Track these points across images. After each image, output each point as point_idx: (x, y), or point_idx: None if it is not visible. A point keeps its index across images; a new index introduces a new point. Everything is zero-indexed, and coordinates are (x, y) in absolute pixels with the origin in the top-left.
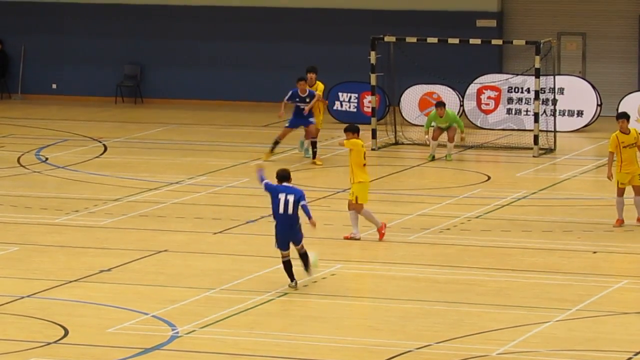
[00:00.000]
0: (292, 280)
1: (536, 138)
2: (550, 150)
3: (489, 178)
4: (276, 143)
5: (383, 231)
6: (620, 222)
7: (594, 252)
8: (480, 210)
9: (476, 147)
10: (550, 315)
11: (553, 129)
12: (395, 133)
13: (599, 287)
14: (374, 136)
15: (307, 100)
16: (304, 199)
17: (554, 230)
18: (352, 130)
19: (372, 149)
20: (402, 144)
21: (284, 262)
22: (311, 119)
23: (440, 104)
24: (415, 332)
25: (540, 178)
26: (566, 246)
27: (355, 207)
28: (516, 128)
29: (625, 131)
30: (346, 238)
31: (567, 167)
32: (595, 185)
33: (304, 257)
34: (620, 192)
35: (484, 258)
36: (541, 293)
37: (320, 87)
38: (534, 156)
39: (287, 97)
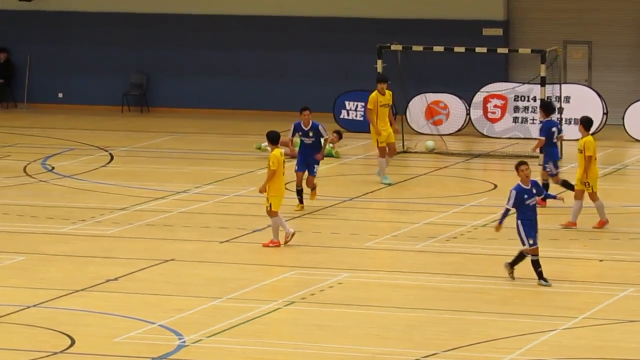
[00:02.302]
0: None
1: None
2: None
3: (496, 186)
4: (300, 192)
5: (279, 243)
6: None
7: (600, 260)
8: (487, 218)
9: (483, 156)
10: (557, 323)
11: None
12: (403, 142)
13: (605, 295)
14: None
15: (310, 134)
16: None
17: (560, 239)
18: (274, 140)
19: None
20: (409, 152)
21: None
22: (314, 167)
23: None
24: (422, 341)
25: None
26: (572, 254)
27: (271, 214)
28: (522, 136)
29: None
30: (266, 245)
31: (573, 175)
32: (601, 194)
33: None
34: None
35: (491, 266)
36: (547, 301)
37: (391, 94)
38: (540, 164)
39: (290, 133)
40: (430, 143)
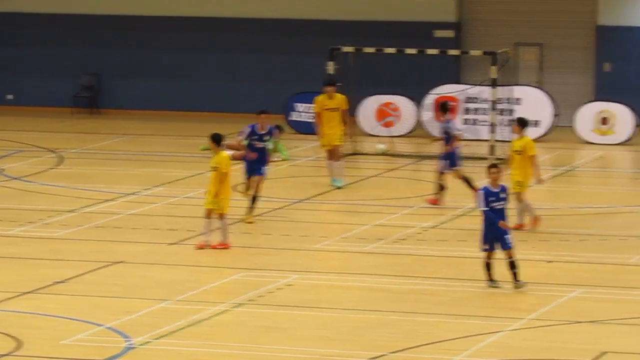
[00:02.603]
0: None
1: (492, 148)
2: (506, 160)
3: (445, 188)
4: (254, 199)
5: (229, 245)
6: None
7: (549, 262)
8: (436, 220)
9: (432, 158)
10: (505, 324)
11: (509, 139)
12: (353, 144)
13: (553, 296)
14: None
15: (265, 139)
16: None
17: None
18: (218, 142)
19: None
20: (360, 154)
21: None
22: (263, 168)
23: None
24: (370, 342)
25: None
26: (521, 256)
27: (222, 217)
28: (473, 138)
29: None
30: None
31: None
32: (551, 195)
33: None
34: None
35: (440, 268)
36: (496, 303)
37: (343, 98)
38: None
39: (244, 135)
40: (380, 145)
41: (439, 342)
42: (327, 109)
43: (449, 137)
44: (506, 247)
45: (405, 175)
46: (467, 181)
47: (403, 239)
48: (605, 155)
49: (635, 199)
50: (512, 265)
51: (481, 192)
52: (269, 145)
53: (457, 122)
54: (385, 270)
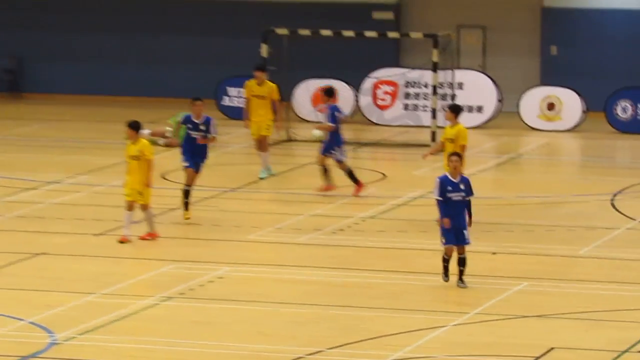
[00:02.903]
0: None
1: (434, 135)
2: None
3: (385, 176)
4: (187, 192)
5: (157, 234)
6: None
7: (493, 253)
8: (375, 210)
9: (371, 145)
10: (448, 319)
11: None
12: (288, 130)
13: (498, 290)
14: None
15: (202, 128)
16: None
17: None
18: (138, 129)
19: None
20: (295, 141)
21: None
22: (201, 165)
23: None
24: (307, 338)
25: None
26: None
27: (146, 207)
28: (413, 124)
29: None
30: (143, 238)
31: (466, 164)
32: (495, 184)
33: None
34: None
35: (380, 260)
36: (439, 296)
37: (273, 87)
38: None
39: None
40: (316, 131)
41: (379, 337)
42: (254, 96)
43: (335, 121)
44: (462, 242)
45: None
46: (325, 172)
47: (341, 230)
48: (552, 142)
49: (583, 187)
50: (462, 263)
51: (438, 181)
52: (173, 123)
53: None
54: (322, 262)
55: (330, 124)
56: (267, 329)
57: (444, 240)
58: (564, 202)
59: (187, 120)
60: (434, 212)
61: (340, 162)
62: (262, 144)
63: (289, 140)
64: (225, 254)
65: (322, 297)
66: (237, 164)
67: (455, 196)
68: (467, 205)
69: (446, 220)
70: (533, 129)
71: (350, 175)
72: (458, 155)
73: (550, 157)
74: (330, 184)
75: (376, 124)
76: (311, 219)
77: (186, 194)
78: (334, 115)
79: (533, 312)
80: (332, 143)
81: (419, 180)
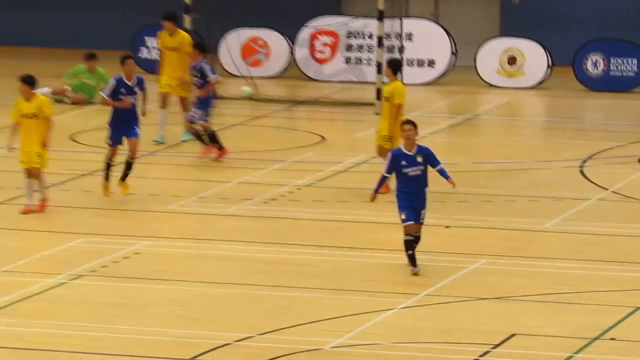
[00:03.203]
0: None
1: (379, 92)
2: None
3: (324, 139)
4: (109, 166)
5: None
6: None
7: (447, 227)
8: (312, 177)
9: (309, 103)
10: (395, 301)
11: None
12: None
13: (452, 269)
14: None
15: (135, 90)
16: None
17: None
18: (34, 85)
19: None
20: (222, 98)
21: None
22: (137, 128)
23: (92, 57)
24: (235, 322)
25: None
26: None
27: (40, 173)
28: (356, 80)
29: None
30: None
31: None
32: (449, 149)
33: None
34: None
35: (317, 234)
36: (384, 276)
37: (185, 38)
38: (376, 114)
39: (107, 92)
40: (246, 88)
41: (317, 321)
42: (167, 48)
43: (204, 82)
44: (418, 221)
45: (275, 124)
46: (213, 137)
47: (273, 200)
48: (513, 101)
49: (549, 152)
50: (416, 242)
51: (390, 155)
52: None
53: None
54: (253, 236)
55: (206, 87)
56: (190, 311)
57: (403, 217)
58: (527, 169)
59: (119, 84)
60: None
61: (193, 122)
62: (183, 104)
63: (215, 97)
64: (143, 227)
65: (252, 275)
66: (156, 124)
67: (412, 171)
68: (441, 173)
69: (373, 196)
70: (492, 85)
71: (213, 138)
72: (411, 123)
73: (511, 118)
74: (218, 148)
75: (314, 80)
76: (240, 187)
77: (108, 167)
78: (202, 71)
79: (491, 293)
80: (202, 105)
81: (362, 144)
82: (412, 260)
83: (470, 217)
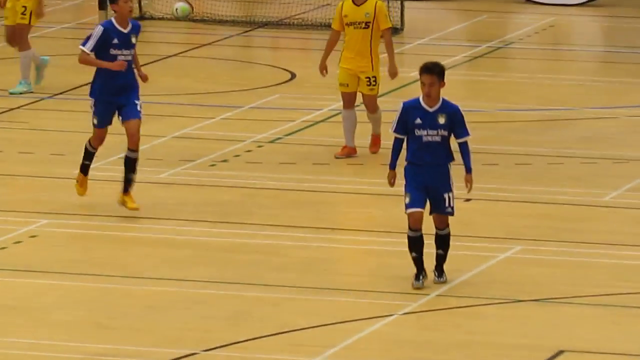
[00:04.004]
0: None
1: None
2: (394, 31)
3: (293, 76)
4: (90, 155)
5: None
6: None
7: (467, 200)
8: (278, 130)
9: (272, 25)
10: (395, 304)
11: None
12: (140, 1)
13: (474, 258)
14: (102, 6)
15: (133, 41)
16: None
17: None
18: None
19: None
20: (151, 18)
21: None
22: (137, 103)
23: None
24: (171, 333)
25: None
26: None
27: None
28: None
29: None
30: None
31: (424, 59)
32: (469, 88)
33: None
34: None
35: (286, 209)
36: (380, 268)
37: None
38: None
39: (90, 44)
40: (181, 5)
41: (286, 332)
42: None
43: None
44: (441, 210)
45: (225, 55)
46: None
47: (224, 161)
48: (558, 23)
49: (606, 96)
50: (441, 243)
51: (402, 107)
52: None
53: None
54: (195, 213)
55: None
56: (107, 318)
57: (407, 201)
58: (578, 120)
59: (109, 32)
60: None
61: None
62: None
63: (141, 17)
64: (40, 199)
65: (194, 268)
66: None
67: (429, 135)
68: (462, 150)
69: (391, 174)
70: (529, 1)
71: None
72: (434, 72)
73: (555, 48)
74: None
75: None
76: (176, 144)
77: (90, 156)
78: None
79: (530, 293)
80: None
81: None
82: (417, 267)
83: (500, 187)
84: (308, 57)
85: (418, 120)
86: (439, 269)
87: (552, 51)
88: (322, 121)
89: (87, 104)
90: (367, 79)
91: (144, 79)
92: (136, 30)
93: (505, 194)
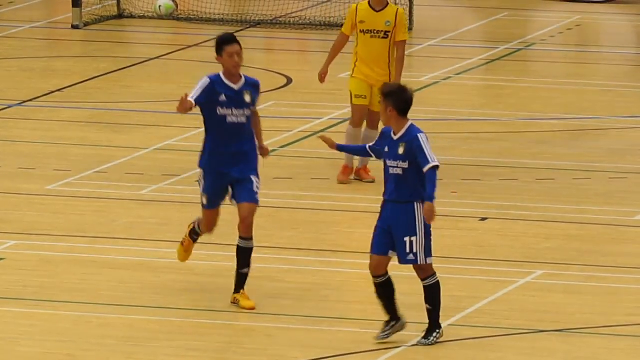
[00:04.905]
0: None
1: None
2: None
3: (290, 81)
4: (195, 235)
5: None
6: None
7: (483, 219)
8: (272, 140)
9: (266, 24)
10: (401, 335)
11: None
12: (119, 3)
13: (491, 284)
14: (76, 3)
15: (247, 101)
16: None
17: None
18: None
19: (74, 26)
20: (131, 16)
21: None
22: (254, 181)
23: None
24: None
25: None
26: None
27: None
28: None
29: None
30: None
31: (435, 62)
32: (486, 94)
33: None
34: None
35: (281, 229)
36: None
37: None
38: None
39: (195, 94)
40: (165, 2)
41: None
42: None
43: None
44: (402, 257)
45: (214, 58)
46: None
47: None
48: (585, 22)
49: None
50: (427, 295)
51: (381, 131)
52: None
53: None
54: (178, 233)
55: None
56: (82, 350)
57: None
58: (607, 130)
59: (214, 85)
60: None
61: None
62: None
63: (121, 15)
64: (7, 219)
65: (179, 294)
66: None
67: (392, 166)
68: (423, 179)
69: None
70: None
71: None
72: (384, 95)
73: (582, 49)
74: None
75: None
76: (159, 157)
77: (197, 236)
78: None
79: (553, 323)
80: None
81: (347, 88)
82: (387, 314)
83: (519, 205)
84: (306, 59)
85: (386, 149)
86: (428, 328)
87: (578, 53)
88: (321, 131)
89: (59, 111)
90: None
91: (264, 153)
92: (252, 87)
93: (525, 212)
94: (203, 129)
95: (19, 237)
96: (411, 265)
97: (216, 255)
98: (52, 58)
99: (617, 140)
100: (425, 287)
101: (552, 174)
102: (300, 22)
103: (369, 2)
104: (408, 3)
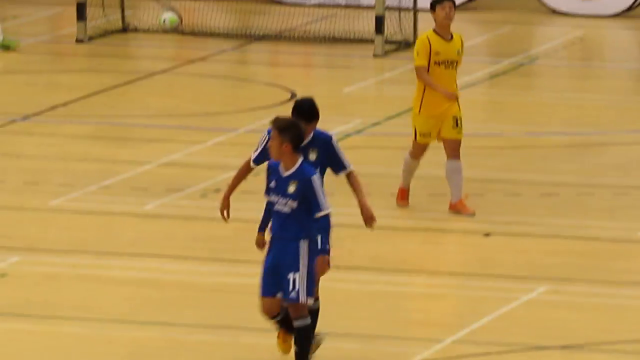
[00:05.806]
0: None
1: (380, 22)
2: (405, 45)
3: (294, 96)
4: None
5: None
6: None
7: (486, 235)
8: None
9: (271, 39)
10: (403, 352)
11: (412, 6)
12: (123, 15)
13: (494, 300)
14: (80, 17)
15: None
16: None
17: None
18: None
19: (78, 41)
20: (136, 30)
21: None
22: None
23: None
24: None
25: (386, 97)
26: (434, 223)
27: None
28: (344, 4)
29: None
30: None
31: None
32: (490, 109)
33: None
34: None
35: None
36: (387, 310)
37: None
38: (375, 55)
39: (255, 154)
40: (169, 16)
41: None
42: None
43: None
44: (285, 295)
45: (218, 72)
46: None
47: (216, 191)
48: (589, 36)
49: None
50: (295, 337)
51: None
52: None
53: None
54: (184, 248)
55: None
56: None
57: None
58: (612, 145)
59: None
60: (381, 160)
61: None
62: None
63: (125, 29)
64: (10, 234)
65: (183, 310)
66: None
67: (279, 202)
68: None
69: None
70: (556, 12)
71: None
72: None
73: (586, 63)
74: None
75: (280, 3)
76: (163, 171)
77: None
78: None
79: (556, 339)
80: None
81: (353, 104)
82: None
83: (523, 220)
84: (310, 74)
85: (272, 184)
86: None
87: (582, 68)
88: None
89: (63, 126)
90: (454, 119)
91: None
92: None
93: (529, 227)
94: (207, 144)
95: (23, 253)
96: (411, 282)
97: (220, 272)
98: (57, 72)
99: (622, 155)
100: (296, 328)
101: (556, 189)
102: (305, 36)
103: (435, 31)
104: (412, 18)
